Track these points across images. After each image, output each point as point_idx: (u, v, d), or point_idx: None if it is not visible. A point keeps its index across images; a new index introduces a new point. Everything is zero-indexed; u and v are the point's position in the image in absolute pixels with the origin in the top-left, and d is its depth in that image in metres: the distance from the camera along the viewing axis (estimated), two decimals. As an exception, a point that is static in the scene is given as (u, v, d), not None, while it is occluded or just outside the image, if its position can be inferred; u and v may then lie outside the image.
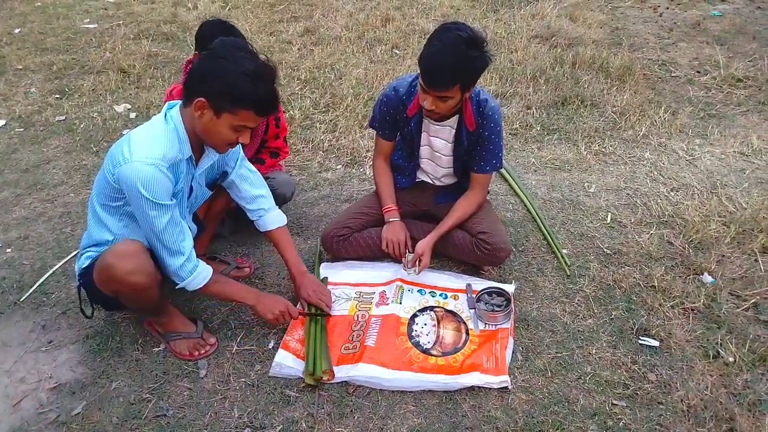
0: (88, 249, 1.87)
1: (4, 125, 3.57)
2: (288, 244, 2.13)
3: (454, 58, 1.89)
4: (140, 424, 1.77)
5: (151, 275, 1.77)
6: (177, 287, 1.83)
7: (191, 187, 1.89)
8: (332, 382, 1.87)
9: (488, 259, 2.26)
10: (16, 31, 5.07)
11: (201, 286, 1.84)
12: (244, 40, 2.19)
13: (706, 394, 1.82)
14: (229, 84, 1.61)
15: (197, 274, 1.82)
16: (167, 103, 1.81)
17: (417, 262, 2.22)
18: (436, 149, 2.29)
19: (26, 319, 2.16)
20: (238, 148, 2.01)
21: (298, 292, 2.11)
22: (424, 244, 2.22)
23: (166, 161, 1.68)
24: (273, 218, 2.11)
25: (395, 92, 2.23)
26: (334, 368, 1.90)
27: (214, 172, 1.98)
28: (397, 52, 4.51)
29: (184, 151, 1.75)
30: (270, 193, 2.14)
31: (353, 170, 3.09)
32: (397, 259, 2.30)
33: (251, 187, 2.07)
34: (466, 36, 1.91)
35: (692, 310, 2.15)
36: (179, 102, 1.78)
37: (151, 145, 1.67)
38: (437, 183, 2.43)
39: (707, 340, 2.02)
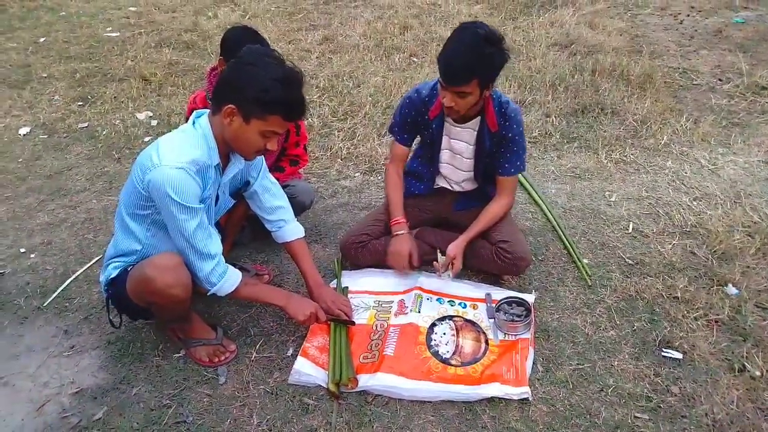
0: (114, 259, 1.89)
1: (29, 132, 3.64)
2: (306, 255, 2.14)
3: (471, 52, 1.93)
4: (160, 430, 1.78)
5: (189, 288, 1.80)
6: (208, 294, 1.84)
7: (217, 195, 1.90)
8: (351, 390, 1.87)
9: (508, 269, 2.24)
10: (41, 40, 5.18)
11: (232, 290, 1.85)
12: (269, 45, 2.22)
13: (732, 409, 1.78)
14: (259, 90, 1.63)
15: (227, 277, 1.83)
16: (194, 111, 1.83)
17: (450, 266, 2.20)
18: (457, 152, 2.28)
19: (49, 324, 2.19)
20: (261, 159, 2.03)
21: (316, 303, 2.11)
22: (455, 247, 2.20)
23: (195, 165, 1.70)
24: (291, 230, 2.12)
25: (417, 94, 2.24)
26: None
27: (238, 181, 2.00)
28: (415, 60, 4.52)
29: (213, 157, 1.76)
30: (289, 204, 2.15)
31: (371, 178, 3.10)
32: (399, 272, 2.31)
33: (272, 198, 2.08)
34: (483, 32, 1.95)
35: (716, 322, 2.11)
36: (206, 111, 1.80)
37: (180, 149, 1.70)
38: (457, 188, 2.42)
39: (732, 352, 1.98)
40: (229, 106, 1.67)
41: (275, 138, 1.76)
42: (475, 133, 2.21)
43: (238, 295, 1.89)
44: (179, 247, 1.77)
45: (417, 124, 2.29)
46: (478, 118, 2.17)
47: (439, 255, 2.26)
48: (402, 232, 2.30)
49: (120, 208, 1.86)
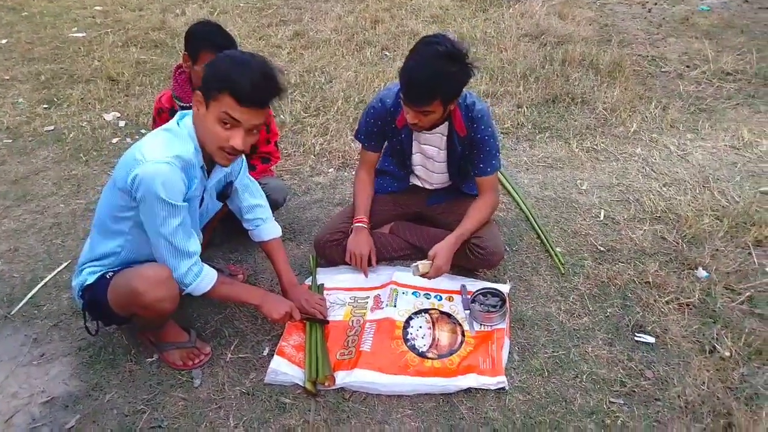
0: (89, 264, 1.85)
1: (-7, 137, 3.54)
2: (281, 255, 2.12)
3: (432, 73, 1.87)
4: (135, 436, 1.75)
5: (177, 300, 1.78)
6: (183, 293, 1.80)
7: (203, 198, 1.88)
8: (329, 388, 1.86)
9: (482, 264, 2.25)
10: (3, 41, 5.04)
11: (207, 289, 1.82)
12: (233, 39, 2.20)
13: (703, 390, 1.82)
14: (215, 69, 1.64)
15: (203, 276, 1.80)
16: (179, 112, 1.80)
17: (429, 265, 2.12)
18: (429, 156, 2.28)
19: (17, 332, 2.13)
20: (241, 158, 1.99)
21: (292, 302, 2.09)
22: (438, 247, 2.12)
23: (180, 161, 1.66)
24: (269, 229, 2.10)
25: (382, 104, 2.21)
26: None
27: (223, 183, 1.97)
28: (386, 54, 4.50)
29: (198, 158, 1.73)
30: (267, 203, 2.13)
31: (345, 173, 3.08)
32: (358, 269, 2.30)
33: (251, 197, 2.06)
34: (444, 50, 1.88)
35: (687, 305, 2.14)
36: (191, 111, 1.77)
37: (163, 146, 1.67)
38: (430, 187, 2.42)
39: (703, 335, 2.02)
40: (196, 92, 1.67)
41: (237, 130, 1.65)
42: (445, 137, 2.20)
43: (214, 294, 1.86)
44: (155, 244, 1.73)
45: (384, 132, 2.27)
46: (446, 123, 2.15)
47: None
48: (362, 225, 2.27)
49: (100, 212, 1.82)
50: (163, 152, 1.65)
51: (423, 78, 1.88)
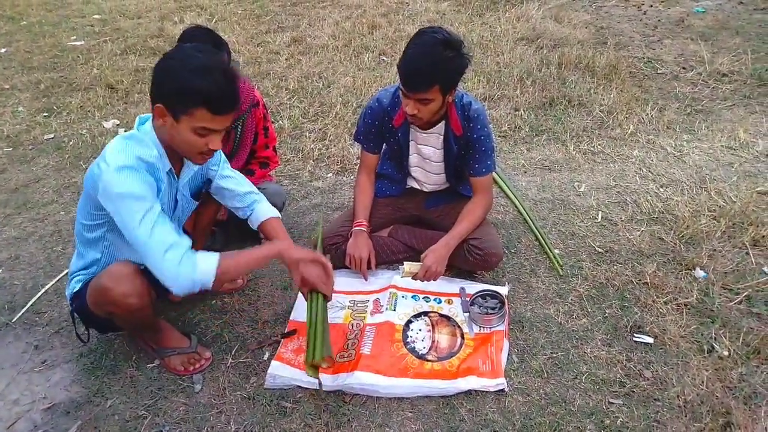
0: (77, 273, 1.86)
1: (-7, 145, 3.56)
2: (283, 233, 2.00)
3: (431, 58, 1.91)
4: (136, 442, 1.76)
5: (146, 296, 1.76)
6: (197, 291, 1.65)
7: (176, 200, 1.87)
8: (329, 390, 1.86)
9: (480, 265, 2.25)
10: (2, 50, 5.06)
11: (213, 270, 1.63)
12: (226, 44, 2.18)
13: (702, 389, 1.82)
14: (178, 83, 1.54)
15: (199, 260, 1.62)
16: (138, 117, 1.76)
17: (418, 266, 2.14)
18: (426, 156, 2.29)
19: (18, 339, 2.14)
20: (218, 152, 1.94)
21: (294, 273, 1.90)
22: (430, 249, 2.15)
23: (143, 162, 1.63)
24: (265, 209, 2.04)
25: (379, 103, 2.23)
26: (330, 377, 1.89)
27: (198, 181, 1.95)
28: (384, 58, 4.53)
29: (164, 164, 1.71)
30: (257, 189, 2.08)
31: (344, 178, 3.09)
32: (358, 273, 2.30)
33: (238, 186, 2.02)
34: (442, 38, 1.94)
35: (686, 305, 2.15)
36: (150, 115, 1.71)
37: (125, 150, 1.62)
38: (428, 189, 2.43)
39: (701, 334, 2.03)
40: (157, 105, 1.59)
41: (214, 135, 1.63)
42: (441, 137, 2.21)
43: (225, 273, 1.66)
44: (140, 252, 1.62)
45: (381, 132, 2.29)
46: (443, 122, 2.17)
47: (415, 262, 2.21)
48: (361, 229, 2.29)
49: (76, 222, 1.82)
50: (124, 156, 1.60)
51: (422, 64, 1.92)
